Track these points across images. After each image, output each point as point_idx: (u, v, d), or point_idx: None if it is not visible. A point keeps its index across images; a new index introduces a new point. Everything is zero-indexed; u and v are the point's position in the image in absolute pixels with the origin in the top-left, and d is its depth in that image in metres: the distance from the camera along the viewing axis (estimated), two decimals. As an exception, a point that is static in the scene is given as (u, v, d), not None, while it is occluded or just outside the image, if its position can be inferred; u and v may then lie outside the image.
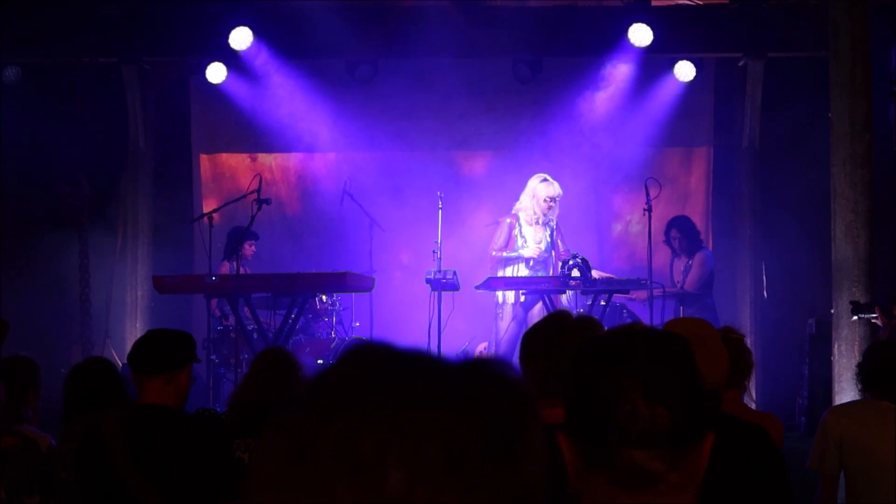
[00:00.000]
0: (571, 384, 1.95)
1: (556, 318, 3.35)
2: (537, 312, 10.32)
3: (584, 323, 3.33)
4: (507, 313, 10.59)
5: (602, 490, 1.87)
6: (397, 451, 1.03)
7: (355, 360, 1.11)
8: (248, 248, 11.07)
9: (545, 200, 10.60)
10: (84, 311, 12.01)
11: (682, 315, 10.75)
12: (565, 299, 10.51)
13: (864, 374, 5.50)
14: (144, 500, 4.31)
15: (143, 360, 4.59)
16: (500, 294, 10.63)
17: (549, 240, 10.71)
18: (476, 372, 1.12)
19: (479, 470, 1.05)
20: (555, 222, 10.77)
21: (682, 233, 11.29)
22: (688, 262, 11.22)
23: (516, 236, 10.67)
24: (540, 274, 10.60)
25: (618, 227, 13.05)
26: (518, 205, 10.76)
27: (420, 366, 1.10)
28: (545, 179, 10.71)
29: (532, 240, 10.63)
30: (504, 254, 10.62)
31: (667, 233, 11.37)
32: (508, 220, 10.72)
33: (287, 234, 13.07)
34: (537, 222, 10.66)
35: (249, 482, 1.06)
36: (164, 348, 4.62)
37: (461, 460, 1.04)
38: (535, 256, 10.59)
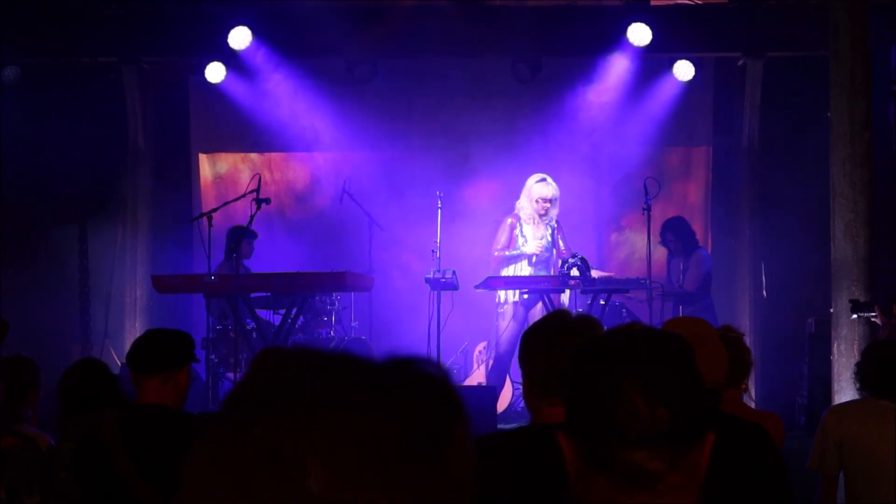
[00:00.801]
0: (571, 384, 1.95)
1: (556, 318, 3.34)
2: (538, 312, 10.31)
3: (584, 322, 3.32)
4: (508, 312, 10.58)
5: (602, 490, 1.87)
6: (318, 451, 1.02)
7: (275, 363, 1.11)
8: (247, 247, 11.06)
9: (538, 201, 10.60)
10: (83, 310, 12.02)
11: (681, 315, 10.74)
12: (566, 299, 10.51)
13: (864, 374, 5.50)
14: (144, 500, 4.31)
15: (141, 359, 4.59)
16: (501, 293, 10.63)
17: (549, 238, 10.71)
18: (401, 371, 1.10)
19: (401, 471, 1.04)
20: (555, 222, 10.76)
21: (675, 235, 11.28)
22: (685, 262, 11.21)
23: (517, 235, 10.67)
24: (542, 273, 10.60)
25: (617, 227, 13.04)
26: (518, 204, 10.77)
27: (342, 366, 1.09)
28: (542, 180, 10.70)
29: (533, 237, 10.64)
30: (507, 252, 10.63)
31: (662, 234, 11.35)
32: (510, 221, 10.73)
33: (286, 233, 13.07)
34: (535, 222, 10.66)
35: (179, 494, 1.06)
36: (162, 348, 4.62)
37: (382, 461, 1.03)
38: (537, 252, 10.59)
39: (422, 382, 1.10)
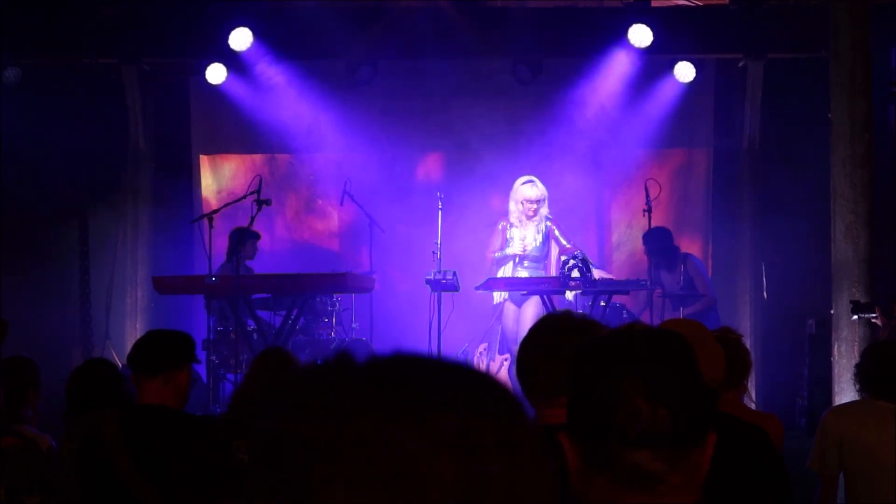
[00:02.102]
0: (572, 384, 1.95)
1: (556, 318, 3.34)
2: (533, 310, 10.36)
3: (585, 323, 3.32)
4: (502, 313, 10.73)
5: (603, 490, 1.87)
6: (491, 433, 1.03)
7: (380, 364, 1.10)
8: (250, 248, 11.06)
9: (523, 202, 10.68)
10: (84, 311, 12.02)
11: (682, 316, 10.70)
12: (570, 297, 10.53)
13: (863, 374, 5.50)
14: (144, 500, 4.31)
15: (141, 360, 4.60)
16: (495, 294, 10.73)
17: (541, 238, 10.74)
18: (482, 377, 1.11)
19: (539, 464, 1.07)
20: (546, 222, 10.78)
21: (649, 248, 10.98)
22: (671, 273, 11.01)
23: (507, 238, 10.77)
24: (540, 273, 10.64)
25: (618, 228, 13.04)
26: (508, 207, 10.86)
27: (436, 368, 1.10)
28: (527, 182, 10.79)
29: (518, 238, 10.71)
30: (496, 254, 10.73)
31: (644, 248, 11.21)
32: (501, 225, 10.87)
33: (287, 234, 13.07)
34: (522, 223, 10.73)
35: (309, 480, 1.01)
36: (162, 348, 4.63)
37: (523, 450, 1.05)
38: (519, 253, 10.66)
39: (505, 389, 1.11)
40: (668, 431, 1.85)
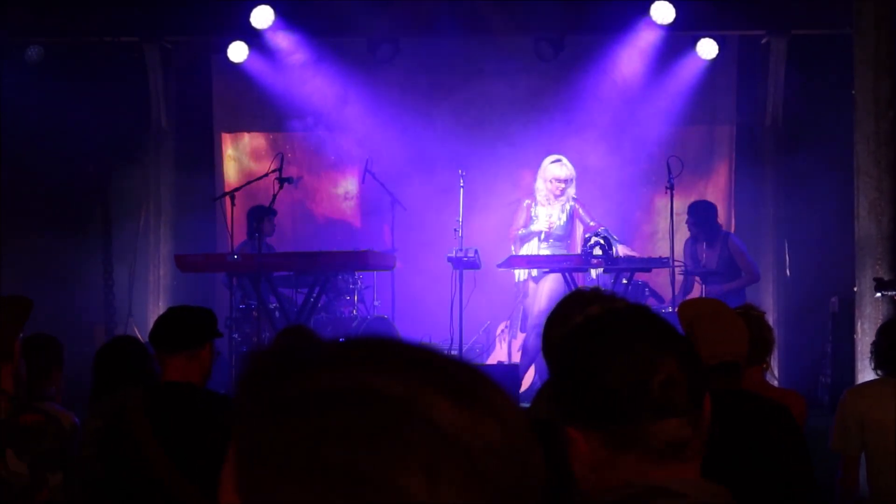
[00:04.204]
0: (576, 369, 1.92)
1: (584, 294, 3.32)
2: (549, 286, 10.36)
3: (612, 300, 3.29)
4: (523, 290, 10.73)
5: (630, 469, 1.86)
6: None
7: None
8: (269, 225, 11.06)
9: (552, 181, 10.67)
10: (107, 290, 12.06)
11: (721, 292, 10.60)
12: (595, 274, 10.51)
13: (879, 352, 5.48)
14: (168, 479, 4.33)
15: (164, 337, 4.61)
16: (516, 272, 10.73)
17: (565, 217, 10.73)
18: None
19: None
20: (572, 201, 10.77)
21: (695, 220, 10.94)
22: (709, 249, 10.95)
23: (532, 216, 10.75)
24: (562, 251, 10.63)
25: (640, 206, 13.00)
26: (535, 185, 10.84)
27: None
28: (556, 161, 10.77)
29: (543, 215, 10.70)
30: (520, 231, 10.72)
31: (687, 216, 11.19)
32: (527, 202, 10.84)
33: (309, 212, 13.08)
34: (549, 202, 10.71)
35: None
36: (185, 325, 4.63)
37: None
38: (545, 230, 10.64)
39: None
40: (692, 396, 1.86)
